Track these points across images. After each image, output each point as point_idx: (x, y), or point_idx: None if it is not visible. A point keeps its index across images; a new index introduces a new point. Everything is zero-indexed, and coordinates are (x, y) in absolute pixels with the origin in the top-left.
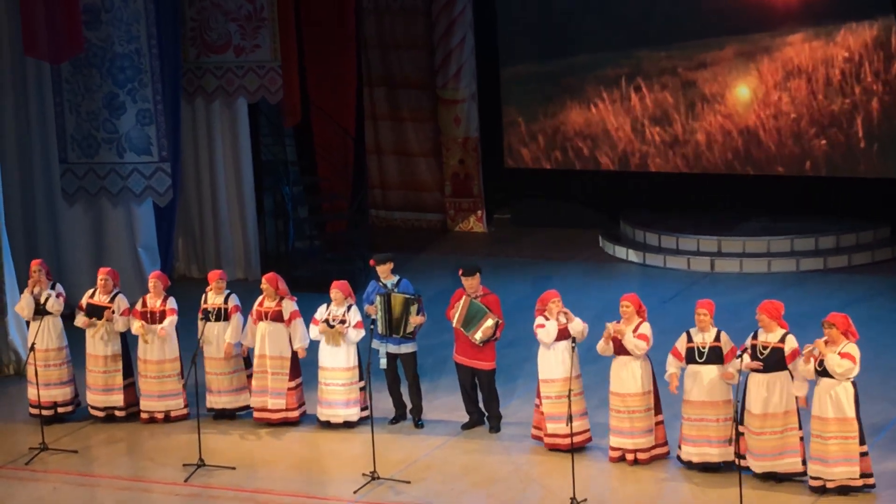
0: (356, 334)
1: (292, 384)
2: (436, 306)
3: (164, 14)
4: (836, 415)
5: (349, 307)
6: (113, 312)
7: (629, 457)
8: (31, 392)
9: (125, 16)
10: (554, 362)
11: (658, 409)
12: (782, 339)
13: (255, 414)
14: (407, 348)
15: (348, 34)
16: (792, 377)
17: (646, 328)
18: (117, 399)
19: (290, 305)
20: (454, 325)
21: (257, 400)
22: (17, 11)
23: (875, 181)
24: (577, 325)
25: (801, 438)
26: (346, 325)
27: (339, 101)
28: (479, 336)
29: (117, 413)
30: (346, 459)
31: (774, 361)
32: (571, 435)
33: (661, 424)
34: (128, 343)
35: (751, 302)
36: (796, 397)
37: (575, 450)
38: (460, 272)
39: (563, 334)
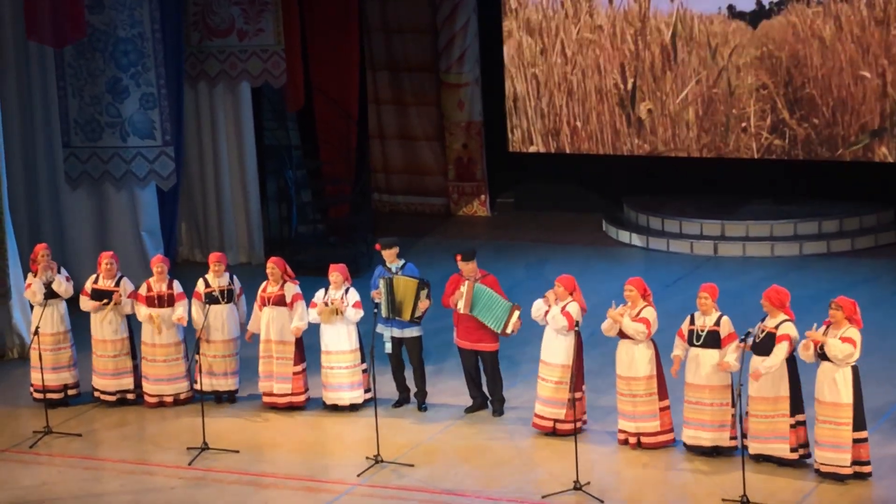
0: (355, 314)
1: (297, 368)
2: (440, 290)
3: None
4: (830, 399)
5: (347, 290)
6: (121, 296)
7: (632, 440)
8: (35, 376)
9: (128, 0)
10: (555, 346)
11: (664, 395)
12: (777, 326)
13: (263, 399)
14: (412, 332)
15: (351, 19)
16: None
17: (648, 312)
18: (128, 382)
19: (292, 288)
20: (461, 311)
21: (264, 385)
22: None
23: (879, 165)
24: (552, 312)
25: (792, 426)
26: (345, 305)
27: (342, 85)
28: (510, 331)
29: (129, 396)
30: (349, 443)
31: (771, 347)
32: (575, 420)
33: (667, 410)
34: (131, 326)
35: (754, 286)
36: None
37: (565, 434)
38: (458, 257)
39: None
